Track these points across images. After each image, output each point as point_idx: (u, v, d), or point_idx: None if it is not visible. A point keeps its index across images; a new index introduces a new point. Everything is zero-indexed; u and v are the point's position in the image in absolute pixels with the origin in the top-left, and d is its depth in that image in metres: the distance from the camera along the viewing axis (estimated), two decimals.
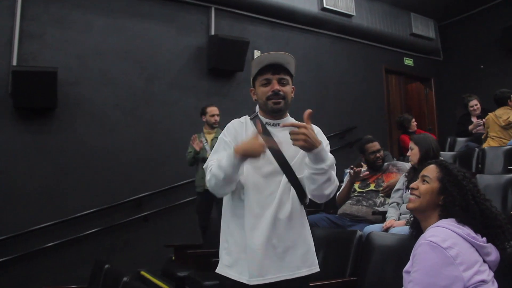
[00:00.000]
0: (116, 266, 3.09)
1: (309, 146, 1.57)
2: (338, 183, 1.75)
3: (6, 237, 4.19)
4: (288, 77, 1.85)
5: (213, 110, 4.65)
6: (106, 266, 3.02)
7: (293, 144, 1.60)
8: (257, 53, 6.09)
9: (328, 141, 1.81)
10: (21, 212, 4.34)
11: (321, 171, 1.64)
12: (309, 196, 1.77)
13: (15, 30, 4.52)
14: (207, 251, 3.72)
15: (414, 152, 3.16)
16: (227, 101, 5.58)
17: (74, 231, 4.53)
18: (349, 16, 6.96)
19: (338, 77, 7.01)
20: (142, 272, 4.47)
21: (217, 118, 4.64)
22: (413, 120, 6.23)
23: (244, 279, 1.68)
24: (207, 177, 1.74)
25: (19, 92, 4.40)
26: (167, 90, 5.40)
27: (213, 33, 5.75)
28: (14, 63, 4.48)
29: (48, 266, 4.34)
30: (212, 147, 4.50)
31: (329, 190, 1.70)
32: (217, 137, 4.56)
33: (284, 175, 1.75)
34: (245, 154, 1.61)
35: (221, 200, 1.81)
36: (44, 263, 4.33)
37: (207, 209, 4.60)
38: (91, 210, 4.63)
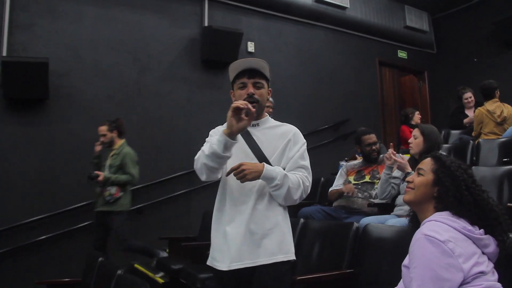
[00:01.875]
0: (110, 259, 3.07)
1: (256, 175, 1.80)
2: (307, 184, 1.91)
3: None
4: (263, 81, 1.99)
5: (98, 130, 4.34)
6: (100, 259, 2.99)
7: (242, 182, 1.81)
8: (250, 45, 6.05)
9: (304, 141, 1.99)
10: (13, 205, 4.29)
11: (277, 187, 1.84)
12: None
13: (4, 21, 4.45)
14: (201, 243, 3.69)
15: (417, 142, 3.07)
16: (220, 93, 5.54)
17: (67, 224, 4.49)
18: (343, 8, 6.92)
19: (332, 69, 6.97)
20: (136, 265, 4.46)
21: (102, 138, 4.31)
22: (418, 113, 6.23)
23: (225, 267, 1.85)
24: (196, 157, 1.91)
25: (10, 83, 4.34)
26: (160, 82, 5.34)
27: (206, 24, 5.70)
28: (4, 53, 4.41)
29: (41, 260, 4.30)
30: (111, 164, 4.25)
31: (297, 195, 1.88)
32: (117, 153, 4.29)
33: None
34: (228, 127, 1.77)
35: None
36: (37, 257, 4.29)
37: (97, 230, 4.28)
38: (84, 203, 4.58)
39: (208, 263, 1.98)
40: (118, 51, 5.10)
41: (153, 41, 5.36)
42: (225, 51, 5.54)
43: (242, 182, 1.80)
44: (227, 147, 1.77)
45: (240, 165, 1.79)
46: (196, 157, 1.91)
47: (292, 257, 1.90)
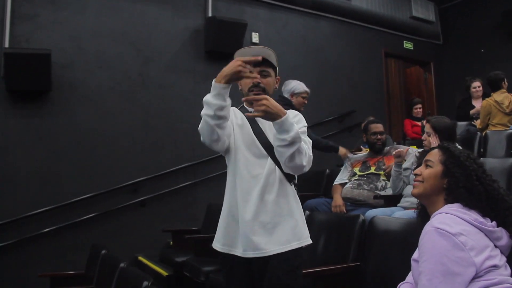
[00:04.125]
0: (113, 252, 3.06)
1: (271, 115, 1.67)
2: (311, 154, 1.80)
3: (1, 223, 4.12)
4: (269, 69, 1.97)
5: None
6: (103, 251, 2.99)
7: (256, 114, 1.69)
8: (255, 36, 5.99)
9: (306, 124, 1.95)
10: (16, 198, 4.27)
11: (284, 142, 1.69)
12: (284, 169, 1.83)
13: (6, 11, 4.39)
14: (205, 236, 3.67)
15: (432, 139, 2.95)
16: None
17: (70, 217, 4.46)
18: None
19: (337, 60, 6.91)
20: (140, 258, 4.45)
21: None
22: (416, 106, 6.17)
23: (237, 252, 1.83)
24: (200, 127, 1.80)
25: (12, 75, 4.29)
26: (164, 73, 5.29)
27: (210, 15, 5.63)
28: (6, 45, 4.36)
29: (44, 252, 4.29)
30: None
31: (303, 161, 1.75)
32: None
33: (269, 158, 1.87)
34: (225, 74, 1.72)
35: None
36: (40, 249, 4.28)
37: None
38: (87, 195, 4.55)
39: (216, 248, 1.93)
40: (121, 42, 5.04)
41: (157, 32, 5.30)
42: (229, 42, 5.48)
43: (256, 113, 1.69)
44: (225, 95, 1.73)
45: (265, 98, 1.69)
46: (200, 128, 1.80)
47: (307, 241, 1.88)
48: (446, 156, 1.66)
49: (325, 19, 6.86)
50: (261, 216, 1.81)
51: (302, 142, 1.76)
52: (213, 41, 5.47)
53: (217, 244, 1.92)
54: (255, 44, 5.89)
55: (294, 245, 1.82)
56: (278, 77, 2.04)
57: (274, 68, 1.99)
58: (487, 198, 1.54)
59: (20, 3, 4.49)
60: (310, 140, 1.89)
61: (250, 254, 1.80)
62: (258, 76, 1.89)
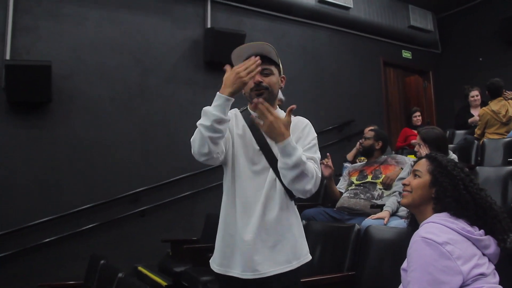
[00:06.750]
0: (113, 262, 3.07)
1: (272, 134, 1.60)
2: (320, 175, 1.70)
3: (1, 233, 4.14)
4: (272, 67, 1.81)
5: None
6: (102, 261, 3.00)
7: (260, 124, 1.63)
8: None
9: (315, 135, 1.81)
10: (16, 208, 4.29)
11: (286, 166, 1.60)
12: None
13: (7, 24, 4.45)
14: (204, 246, 3.69)
15: (422, 150, 2.97)
16: None
17: (70, 227, 4.48)
18: (347, 8, 6.88)
19: (336, 70, 6.95)
20: (139, 268, 4.46)
21: None
22: (414, 114, 6.20)
23: (235, 273, 1.73)
24: (192, 138, 1.73)
25: (13, 86, 4.33)
26: (163, 84, 5.34)
27: (209, 25, 5.69)
28: (7, 57, 4.41)
29: (44, 262, 4.30)
30: None
31: (308, 184, 1.64)
32: None
33: (270, 171, 1.76)
34: (228, 85, 1.64)
35: None
36: (40, 259, 4.29)
37: None
38: (87, 206, 4.58)
39: (214, 269, 1.83)
40: (121, 53, 5.10)
41: (156, 43, 5.35)
42: (228, 53, 5.37)
43: (262, 124, 1.62)
44: (227, 107, 1.64)
45: (275, 117, 1.59)
46: (192, 138, 1.72)
47: (307, 258, 1.79)
48: (434, 166, 1.68)
49: (323, 29, 6.91)
50: (262, 234, 1.71)
51: (309, 163, 1.64)
52: (212, 52, 5.51)
53: (215, 265, 1.82)
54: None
55: (294, 264, 1.73)
56: (283, 75, 1.87)
57: (277, 65, 1.83)
58: (474, 206, 1.56)
59: (21, 15, 4.55)
60: (319, 155, 1.79)
61: (249, 275, 1.70)
62: (258, 76, 1.76)
